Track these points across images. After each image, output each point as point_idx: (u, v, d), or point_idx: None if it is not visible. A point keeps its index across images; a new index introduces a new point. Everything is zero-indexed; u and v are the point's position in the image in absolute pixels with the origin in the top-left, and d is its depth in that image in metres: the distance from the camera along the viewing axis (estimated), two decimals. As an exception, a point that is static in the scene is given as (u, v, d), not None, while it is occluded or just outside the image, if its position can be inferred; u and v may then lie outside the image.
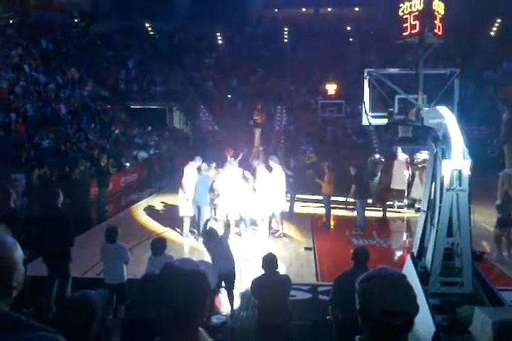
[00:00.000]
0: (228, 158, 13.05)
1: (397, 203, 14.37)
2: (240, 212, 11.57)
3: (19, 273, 1.62)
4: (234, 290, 7.14)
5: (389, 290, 1.75)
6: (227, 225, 8.34)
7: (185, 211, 11.50)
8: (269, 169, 11.68)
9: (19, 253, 1.64)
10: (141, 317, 3.61)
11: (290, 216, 12.91)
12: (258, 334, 5.74)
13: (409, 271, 5.99)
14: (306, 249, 10.63)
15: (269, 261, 5.57)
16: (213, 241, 7.05)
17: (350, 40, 36.66)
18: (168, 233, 11.75)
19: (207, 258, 6.84)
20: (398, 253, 10.53)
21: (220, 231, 7.77)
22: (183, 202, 11.49)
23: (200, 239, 10.79)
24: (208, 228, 7.42)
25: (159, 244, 6.39)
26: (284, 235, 11.57)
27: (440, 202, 5.94)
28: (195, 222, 11.36)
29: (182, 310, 1.61)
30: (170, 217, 13.07)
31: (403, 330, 1.75)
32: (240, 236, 11.41)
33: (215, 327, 6.56)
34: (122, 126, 25.24)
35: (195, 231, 11.31)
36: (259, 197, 11.29)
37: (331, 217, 12.58)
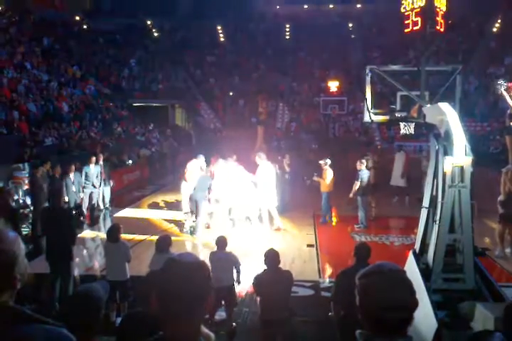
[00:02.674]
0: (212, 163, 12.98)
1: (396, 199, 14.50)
2: (234, 209, 11.70)
3: (21, 266, 1.64)
4: (234, 308, 6.76)
5: (387, 285, 1.76)
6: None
7: (188, 207, 11.65)
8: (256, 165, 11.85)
9: (21, 246, 1.66)
10: (144, 311, 3.63)
11: (284, 209, 13.04)
12: (260, 330, 5.76)
13: (411, 268, 6.00)
14: (309, 245, 10.65)
15: (272, 257, 5.57)
16: (217, 251, 6.79)
17: (352, 37, 36.60)
18: (169, 230, 11.80)
19: (206, 253, 6.79)
20: (400, 250, 10.52)
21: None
22: (186, 198, 11.62)
23: (198, 234, 10.95)
24: (218, 237, 7.02)
25: (164, 242, 6.38)
26: (281, 229, 11.72)
27: (442, 198, 5.94)
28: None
29: (186, 303, 1.62)
30: (172, 214, 13.13)
31: (403, 325, 1.76)
32: (241, 232, 11.47)
33: (217, 323, 6.58)
34: (124, 123, 25.26)
35: (194, 227, 11.40)
36: (245, 194, 11.48)
37: (333, 214, 12.62)
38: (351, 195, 11.92)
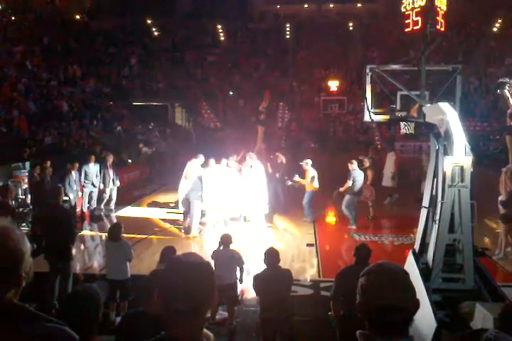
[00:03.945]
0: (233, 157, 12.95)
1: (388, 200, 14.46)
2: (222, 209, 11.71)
3: (27, 264, 1.65)
4: (235, 306, 6.73)
5: (387, 285, 1.75)
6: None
7: (182, 207, 11.71)
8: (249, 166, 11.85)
9: (27, 245, 1.67)
10: (144, 311, 3.63)
11: (284, 210, 13.07)
12: (260, 328, 5.76)
13: (411, 267, 6.00)
14: (308, 245, 10.65)
15: (271, 256, 5.57)
16: (221, 249, 6.77)
17: (353, 36, 36.60)
18: (169, 229, 11.82)
19: (206, 253, 6.80)
20: (400, 250, 10.52)
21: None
22: (182, 197, 11.65)
23: (194, 233, 10.93)
24: (223, 234, 7.06)
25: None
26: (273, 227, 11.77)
27: (442, 198, 5.94)
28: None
29: (189, 303, 1.62)
30: (171, 213, 13.13)
31: (402, 325, 1.75)
32: (235, 231, 11.48)
33: (217, 322, 6.59)
34: (124, 122, 25.24)
35: (189, 226, 11.40)
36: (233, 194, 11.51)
37: (333, 213, 12.60)
38: (341, 190, 11.91)
